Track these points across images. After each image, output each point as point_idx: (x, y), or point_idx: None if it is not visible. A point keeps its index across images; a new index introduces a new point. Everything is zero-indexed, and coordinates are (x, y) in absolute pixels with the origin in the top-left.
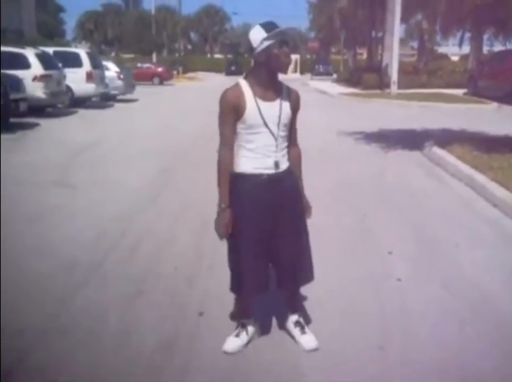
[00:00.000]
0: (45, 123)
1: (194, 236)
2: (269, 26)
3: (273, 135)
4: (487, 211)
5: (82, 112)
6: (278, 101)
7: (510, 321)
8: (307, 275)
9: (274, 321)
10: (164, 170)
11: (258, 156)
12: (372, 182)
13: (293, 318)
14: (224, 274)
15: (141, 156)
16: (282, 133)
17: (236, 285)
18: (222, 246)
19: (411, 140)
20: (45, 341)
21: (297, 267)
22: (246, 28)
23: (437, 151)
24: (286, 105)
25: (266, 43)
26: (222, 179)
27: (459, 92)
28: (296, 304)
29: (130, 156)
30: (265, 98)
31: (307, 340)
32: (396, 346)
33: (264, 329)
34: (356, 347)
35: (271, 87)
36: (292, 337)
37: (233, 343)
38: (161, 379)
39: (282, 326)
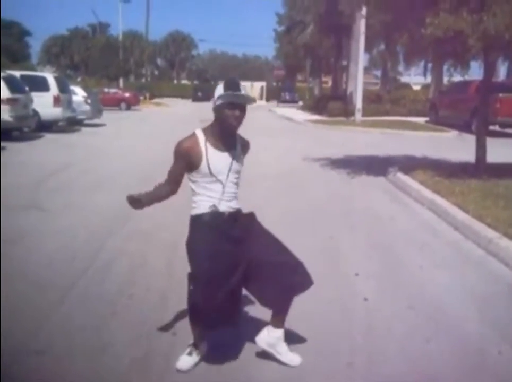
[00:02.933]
0: (11, 147)
1: (165, 256)
2: (229, 84)
3: (221, 182)
4: (449, 234)
5: (48, 136)
6: (230, 151)
7: (471, 338)
8: (301, 283)
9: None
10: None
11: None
12: (338, 206)
13: (276, 333)
14: None
15: (110, 180)
16: (233, 180)
17: (194, 317)
18: None
19: (375, 166)
20: (21, 361)
21: (284, 279)
22: (213, 55)
23: (401, 177)
24: (238, 154)
25: (219, 101)
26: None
27: (421, 120)
28: (284, 317)
29: (99, 180)
30: (218, 148)
31: (291, 356)
32: (364, 361)
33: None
34: (326, 363)
35: (224, 139)
36: (272, 352)
37: (184, 361)
38: None
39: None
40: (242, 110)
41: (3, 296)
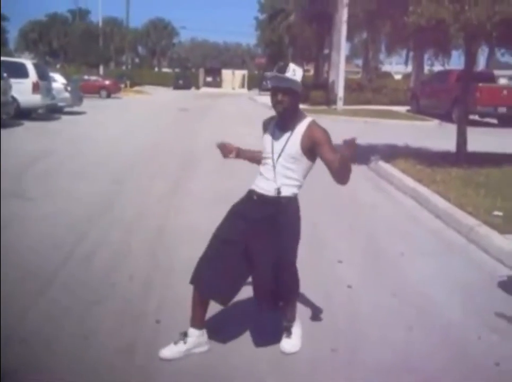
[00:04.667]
0: None
1: (149, 245)
2: (277, 67)
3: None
4: (430, 222)
5: (28, 124)
6: (281, 133)
7: (453, 326)
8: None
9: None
10: (115, 181)
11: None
12: (321, 194)
13: (284, 321)
14: (180, 282)
15: (92, 168)
16: (285, 164)
17: (195, 278)
18: (176, 253)
19: (357, 154)
20: (5, 350)
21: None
22: (194, 43)
23: (383, 165)
24: (290, 138)
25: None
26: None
27: (402, 109)
28: (289, 312)
29: (81, 168)
30: (274, 128)
31: (290, 344)
32: (348, 348)
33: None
34: (311, 349)
35: (278, 121)
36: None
37: (169, 349)
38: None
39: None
40: (286, 94)
41: None
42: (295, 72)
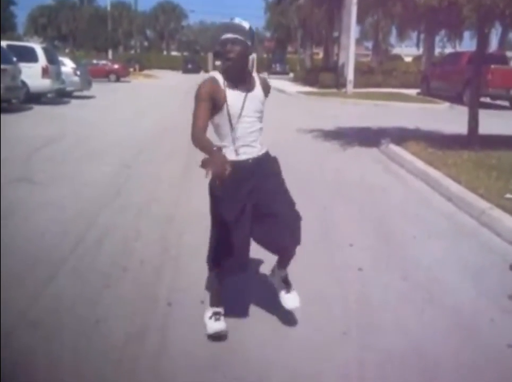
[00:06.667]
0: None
1: (159, 229)
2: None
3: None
4: (442, 205)
5: (37, 108)
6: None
7: (465, 309)
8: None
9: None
10: (125, 165)
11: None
12: (331, 177)
13: (281, 272)
14: (190, 265)
15: (101, 152)
16: (252, 121)
17: (211, 259)
18: (186, 238)
19: (368, 137)
20: (15, 337)
21: (295, 225)
22: (203, 26)
23: (394, 148)
24: (256, 94)
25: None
26: (203, 142)
27: (413, 91)
28: (288, 262)
29: (90, 152)
30: (235, 89)
31: (291, 298)
32: (359, 331)
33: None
34: (321, 332)
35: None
36: (275, 291)
37: (216, 325)
38: (135, 368)
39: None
40: (235, 43)
41: None
42: (241, 22)
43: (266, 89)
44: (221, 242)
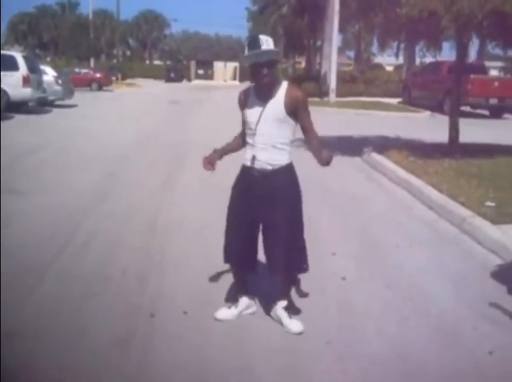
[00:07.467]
0: None
1: (142, 238)
2: (250, 44)
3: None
4: (424, 213)
5: (18, 117)
6: (265, 102)
7: (447, 316)
8: (299, 265)
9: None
10: (108, 174)
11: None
12: (315, 186)
13: (282, 303)
14: (173, 274)
15: (84, 161)
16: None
17: (225, 257)
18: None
19: (351, 146)
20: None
21: (287, 256)
22: (186, 35)
23: (376, 157)
24: (274, 105)
25: (246, 63)
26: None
27: (394, 101)
28: (285, 291)
29: (72, 161)
30: (255, 98)
31: (296, 324)
32: (342, 340)
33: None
34: (305, 341)
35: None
36: (279, 321)
37: (224, 312)
38: (117, 376)
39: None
40: (268, 66)
41: None
42: (268, 42)
43: (291, 98)
44: (228, 237)
